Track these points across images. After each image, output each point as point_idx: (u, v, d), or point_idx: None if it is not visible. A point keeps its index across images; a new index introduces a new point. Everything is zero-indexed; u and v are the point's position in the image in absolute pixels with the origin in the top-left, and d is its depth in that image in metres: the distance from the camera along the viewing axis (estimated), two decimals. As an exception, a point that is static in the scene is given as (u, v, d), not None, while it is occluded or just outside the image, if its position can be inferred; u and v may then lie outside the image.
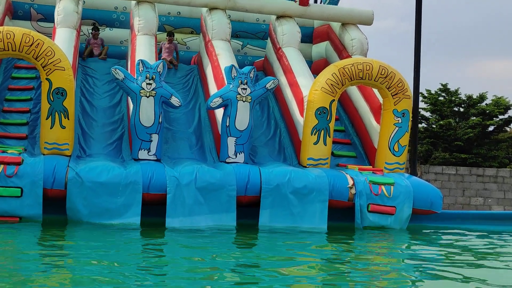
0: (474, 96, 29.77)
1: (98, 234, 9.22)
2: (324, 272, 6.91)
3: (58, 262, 6.83)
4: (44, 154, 10.85)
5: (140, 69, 11.25)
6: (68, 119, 10.94)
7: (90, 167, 10.39)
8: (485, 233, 11.11)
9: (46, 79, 10.84)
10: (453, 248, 9.12)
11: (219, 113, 12.07)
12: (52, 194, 10.26)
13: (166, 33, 15.40)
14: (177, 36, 16.16)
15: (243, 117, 11.58)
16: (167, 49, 15.01)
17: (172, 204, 10.41)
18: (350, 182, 11.23)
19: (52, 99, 10.82)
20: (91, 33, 15.13)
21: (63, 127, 10.91)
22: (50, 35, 13.96)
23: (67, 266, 6.63)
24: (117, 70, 11.24)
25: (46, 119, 10.89)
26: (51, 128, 10.88)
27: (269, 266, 7.03)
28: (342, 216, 11.32)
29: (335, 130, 12.88)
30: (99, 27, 15.34)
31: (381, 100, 12.50)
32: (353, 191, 11.16)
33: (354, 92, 13.71)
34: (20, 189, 10.04)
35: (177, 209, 10.41)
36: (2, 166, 10.05)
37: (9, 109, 12.33)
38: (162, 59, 14.77)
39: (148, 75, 11.20)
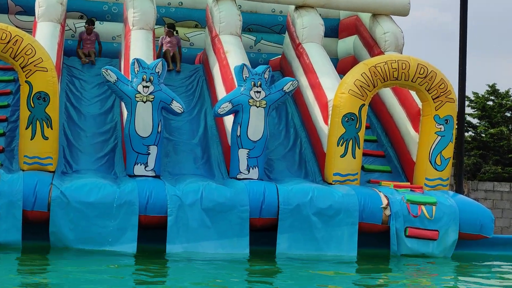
0: (530, 99, 29.64)
1: (86, 263, 9.21)
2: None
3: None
4: (23, 170, 10.89)
5: (136, 69, 11.29)
6: (52, 129, 10.99)
7: (78, 185, 10.41)
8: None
9: (26, 81, 10.90)
10: (509, 282, 9.04)
11: (229, 120, 12.09)
12: (33, 217, 10.28)
13: (165, 26, 15.39)
14: (179, 30, 16.21)
15: (256, 125, 11.58)
16: (169, 43, 15.05)
17: (173, 228, 10.41)
18: (384, 201, 11.18)
19: (32, 105, 10.88)
20: (84, 27, 15.15)
21: (46, 138, 10.96)
22: (30, 30, 14.06)
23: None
24: (108, 71, 11.28)
25: (26, 128, 10.94)
26: (31, 139, 10.93)
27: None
28: (374, 241, 11.28)
29: (365, 140, 12.82)
30: (94, 20, 15.33)
31: (420, 104, 12.46)
32: (387, 212, 11.11)
33: (388, 95, 13.69)
34: (-5, 211, 10.07)
35: (180, 234, 10.41)
36: (-26, 184, 10.10)
37: (-18, 117, 12.40)
38: (165, 51, 14.79)
39: (145, 76, 11.23)
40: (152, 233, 10.67)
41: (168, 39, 15.04)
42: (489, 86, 30.08)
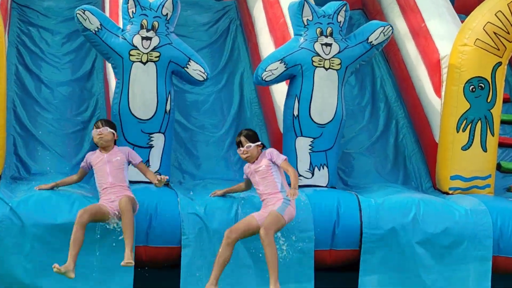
0: None
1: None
2: None
3: None
4: (-49, 176, 11.03)
5: (131, 10, 11.30)
6: (-5, 109, 11.08)
7: (37, 199, 10.44)
8: None
9: (-48, 33, 11.02)
10: None
11: (279, 92, 12.07)
12: (-32, 250, 10.37)
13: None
14: None
15: (325, 99, 11.58)
16: (253, 174, 10.67)
17: (191, 267, 10.44)
18: (536, 223, 11.12)
19: (-37, 70, 10.99)
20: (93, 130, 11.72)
21: (-15, 124, 11.06)
22: None
23: None
24: (86, 12, 11.28)
25: (-47, 109, 11.07)
26: (-38, 126, 11.06)
27: None
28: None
29: (503, 122, 12.79)
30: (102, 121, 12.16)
31: None
32: (540, 240, 11.06)
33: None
34: None
35: (201, 276, 10.40)
36: None
37: None
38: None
39: (145, 21, 11.24)
40: (158, 274, 10.73)
41: (251, 169, 10.82)
42: None
